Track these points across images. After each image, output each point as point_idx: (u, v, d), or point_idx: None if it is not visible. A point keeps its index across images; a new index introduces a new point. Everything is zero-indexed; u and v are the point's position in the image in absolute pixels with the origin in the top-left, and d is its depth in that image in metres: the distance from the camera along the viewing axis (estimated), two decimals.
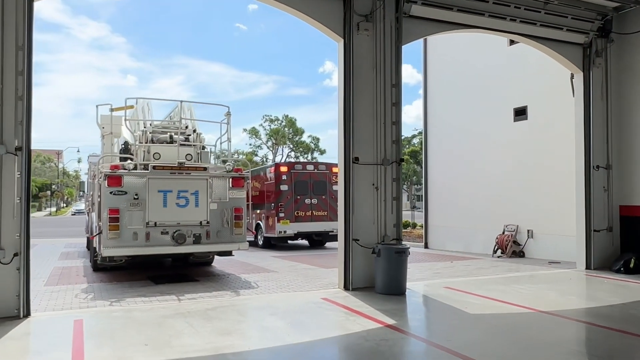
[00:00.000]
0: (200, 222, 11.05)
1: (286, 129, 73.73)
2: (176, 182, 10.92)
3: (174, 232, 10.69)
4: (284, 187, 18.23)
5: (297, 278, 11.55)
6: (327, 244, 19.83)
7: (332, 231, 17.77)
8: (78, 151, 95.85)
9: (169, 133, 12.05)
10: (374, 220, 9.88)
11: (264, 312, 7.87)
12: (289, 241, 19.17)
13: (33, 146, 7.79)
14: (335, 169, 18.31)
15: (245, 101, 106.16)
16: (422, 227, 20.51)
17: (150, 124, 12.33)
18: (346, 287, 9.58)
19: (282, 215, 18.07)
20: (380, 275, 9.21)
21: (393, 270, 9.15)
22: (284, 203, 18.15)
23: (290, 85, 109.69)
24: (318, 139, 76.66)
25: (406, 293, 9.24)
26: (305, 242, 20.25)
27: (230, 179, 11.36)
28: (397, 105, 10.19)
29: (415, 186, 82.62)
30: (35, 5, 7.63)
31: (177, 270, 12.81)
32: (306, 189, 18.49)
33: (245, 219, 11.54)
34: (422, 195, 20.33)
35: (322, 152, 77.31)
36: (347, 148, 9.75)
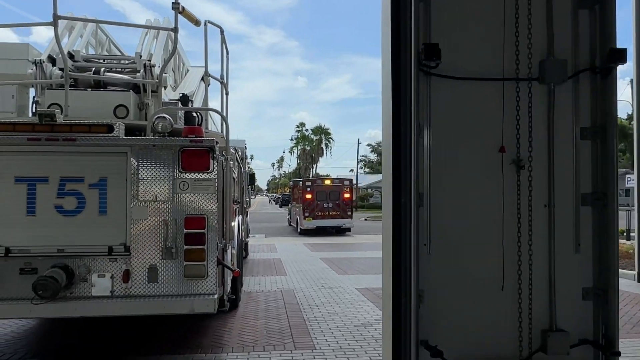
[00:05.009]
0: (110, 249, 5.01)
1: None
2: (53, 161, 5.02)
3: (44, 275, 4.79)
4: (308, 196, 25.26)
5: None
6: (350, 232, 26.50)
7: (342, 225, 25.70)
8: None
9: (94, 68, 6.19)
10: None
11: None
12: (317, 229, 25.41)
13: None
14: (346, 182, 26.84)
15: None
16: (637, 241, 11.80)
17: (71, 53, 6.49)
18: None
19: (307, 214, 25.22)
20: None
21: None
22: (308, 206, 25.21)
23: None
24: None
25: None
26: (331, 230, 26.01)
27: (180, 154, 5.09)
28: None
29: None
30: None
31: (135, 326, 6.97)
32: (325, 196, 25.34)
33: (214, 240, 5.17)
34: (633, 189, 11.80)
35: None
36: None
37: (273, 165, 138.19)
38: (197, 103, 8.02)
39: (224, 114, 6.81)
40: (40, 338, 6.84)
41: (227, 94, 7.18)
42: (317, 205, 25.19)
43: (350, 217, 26.16)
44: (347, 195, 26.12)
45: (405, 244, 2.70)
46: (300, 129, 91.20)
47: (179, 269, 5.03)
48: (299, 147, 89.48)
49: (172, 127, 5.06)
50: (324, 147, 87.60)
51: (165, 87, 6.14)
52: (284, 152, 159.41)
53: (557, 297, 2.77)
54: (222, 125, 6.26)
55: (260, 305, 8.73)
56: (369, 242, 20.99)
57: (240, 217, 10.30)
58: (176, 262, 5.03)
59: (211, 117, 8.56)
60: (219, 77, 6.69)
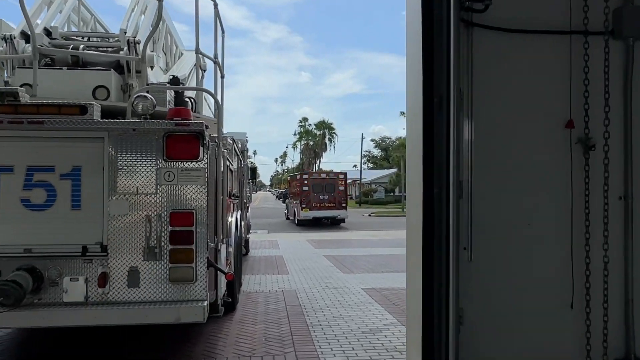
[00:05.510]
0: (84, 249, 4.38)
1: None
2: (19, 147, 4.38)
3: (5, 279, 4.16)
4: (305, 188, 26.99)
5: None
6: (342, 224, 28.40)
7: (337, 216, 27.38)
8: None
9: (72, 45, 5.53)
10: None
11: None
12: (313, 219, 27.13)
13: None
14: (341, 175, 28.52)
15: None
16: None
17: (48, 29, 5.82)
18: None
19: (304, 205, 26.85)
20: None
21: None
22: (305, 198, 26.94)
23: None
24: None
25: None
26: (327, 221, 27.88)
27: (164, 140, 4.44)
28: None
29: None
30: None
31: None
32: (320, 188, 27.02)
33: (204, 239, 4.51)
34: None
35: None
36: None
37: (276, 160, 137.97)
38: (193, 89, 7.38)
39: (218, 98, 6.16)
40: (16, 346, 6.23)
41: (222, 76, 6.53)
42: (314, 197, 27.06)
43: (345, 208, 27.85)
44: (341, 188, 27.95)
45: (439, 249, 2.04)
46: (303, 123, 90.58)
47: (164, 272, 4.39)
48: (302, 142, 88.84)
49: (154, 108, 4.40)
50: (328, 142, 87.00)
51: (152, 67, 5.49)
52: (287, 147, 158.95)
53: (637, 316, 2.12)
54: (216, 109, 5.60)
55: (259, 307, 8.11)
56: (374, 239, 20.40)
57: (240, 212, 9.68)
58: (160, 264, 4.39)
59: (208, 105, 7.92)
60: (212, 56, 6.03)
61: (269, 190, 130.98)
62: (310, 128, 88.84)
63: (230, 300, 6.67)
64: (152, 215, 4.40)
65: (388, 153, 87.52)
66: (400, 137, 66.70)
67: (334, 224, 27.99)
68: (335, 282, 10.46)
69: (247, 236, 14.71)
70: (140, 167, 4.40)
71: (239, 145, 10.83)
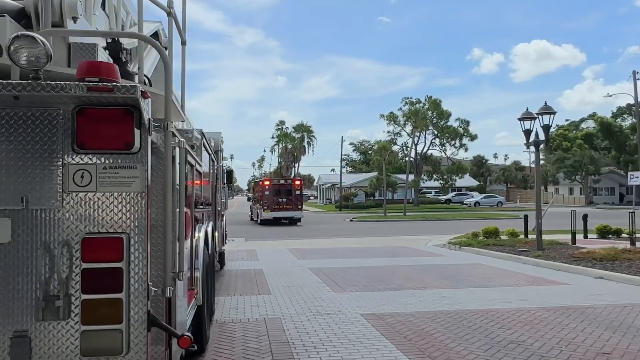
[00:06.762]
0: None
1: (429, 112, 63.35)
2: None
3: None
4: (267, 192, 32.61)
5: None
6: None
7: (294, 217, 33.23)
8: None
9: None
10: None
11: None
12: (274, 219, 32.51)
13: None
14: (297, 182, 35.54)
15: (392, 95, 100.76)
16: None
17: None
18: None
19: (265, 207, 32.35)
20: None
21: None
22: (266, 201, 32.40)
23: (437, 76, 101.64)
24: (468, 122, 65.08)
25: None
26: (285, 221, 33.39)
27: (74, 117, 2.64)
28: None
29: (592, 177, 66.59)
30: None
31: None
32: (279, 192, 32.83)
33: (142, 281, 2.73)
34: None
35: (472, 138, 65.57)
36: None
37: (253, 165, 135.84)
38: (147, 67, 5.63)
39: (180, 70, 4.39)
40: None
41: (183, 43, 4.78)
42: (274, 200, 32.44)
43: (300, 210, 33.94)
44: (297, 192, 34.05)
45: None
46: (280, 126, 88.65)
47: (72, 340, 2.60)
48: (281, 146, 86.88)
49: (48, 60, 2.59)
50: (306, 146, 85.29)
51: (74, 19, 3.68)
52: (264, 150, 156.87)
53: None
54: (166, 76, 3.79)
55: (236, 346, 6.33)
56: (360, 247, 18.86)
57: (212, 223, 7.94)
58: (66, 325, 2.61)
59: (175, 97, 6.13)
60: (165, 5, 4.23)
61: (246, 195, 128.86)
62: (288, 131, 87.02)
63: (196, 348, 4.90)
64: (53, 243, 2.61)
65: (367, 157, 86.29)
66: (380, 141, 65.43)
67: (292, 223, 33.52)
68: (327, 305, 8.73)
69: (223, 248, 12.93)
70: (33, 163, 2.62)
71: (212, 144, 9.14)
